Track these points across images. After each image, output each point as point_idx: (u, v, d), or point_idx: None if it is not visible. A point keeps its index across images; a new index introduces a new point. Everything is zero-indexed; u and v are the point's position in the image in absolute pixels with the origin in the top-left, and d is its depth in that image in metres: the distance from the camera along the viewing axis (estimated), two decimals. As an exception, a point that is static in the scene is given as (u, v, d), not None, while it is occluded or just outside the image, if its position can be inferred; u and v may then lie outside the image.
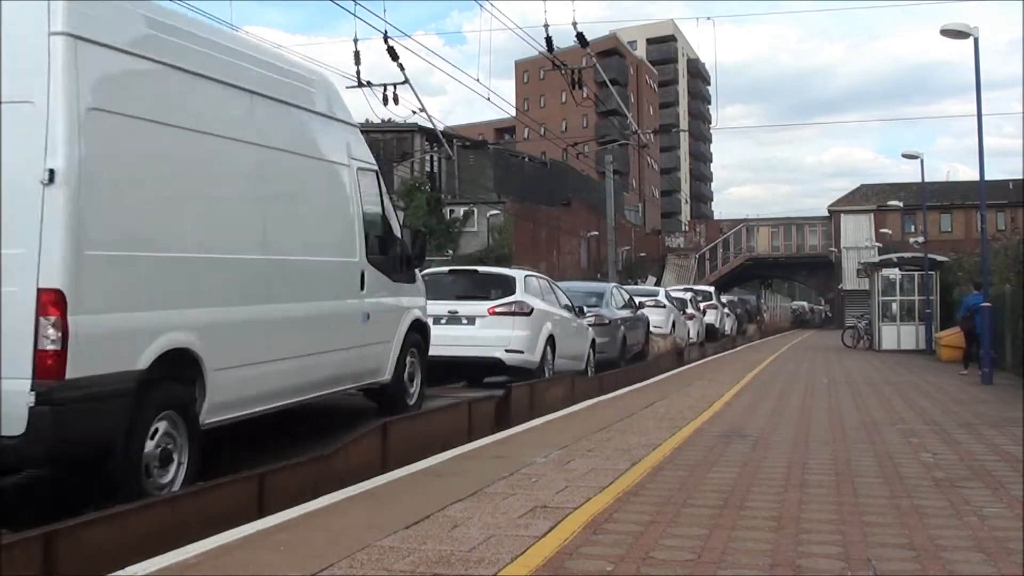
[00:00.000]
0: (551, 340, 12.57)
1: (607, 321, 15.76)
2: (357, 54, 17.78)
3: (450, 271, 13.81)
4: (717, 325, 30.35)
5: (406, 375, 8.63)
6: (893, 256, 29.94)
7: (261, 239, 6.42)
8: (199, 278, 5.75)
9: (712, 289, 33.56)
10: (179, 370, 5.50)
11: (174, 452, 5.43)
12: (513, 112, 48.23)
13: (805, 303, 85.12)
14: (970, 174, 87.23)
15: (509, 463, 6.33)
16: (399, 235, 8.52)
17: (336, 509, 4.94)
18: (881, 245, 49.16)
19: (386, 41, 16.64)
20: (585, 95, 24.40)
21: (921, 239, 31.36)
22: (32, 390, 4.62)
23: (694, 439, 7.76)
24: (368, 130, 53.13)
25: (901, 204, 45.30)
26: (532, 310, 12.07)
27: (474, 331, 11.70)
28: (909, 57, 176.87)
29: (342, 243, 7.60)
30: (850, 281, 55.25)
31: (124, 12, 5.36)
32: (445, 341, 10.58)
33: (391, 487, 5.58)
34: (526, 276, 13.03)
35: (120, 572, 3.68)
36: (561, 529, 4.44)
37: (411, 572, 3.72)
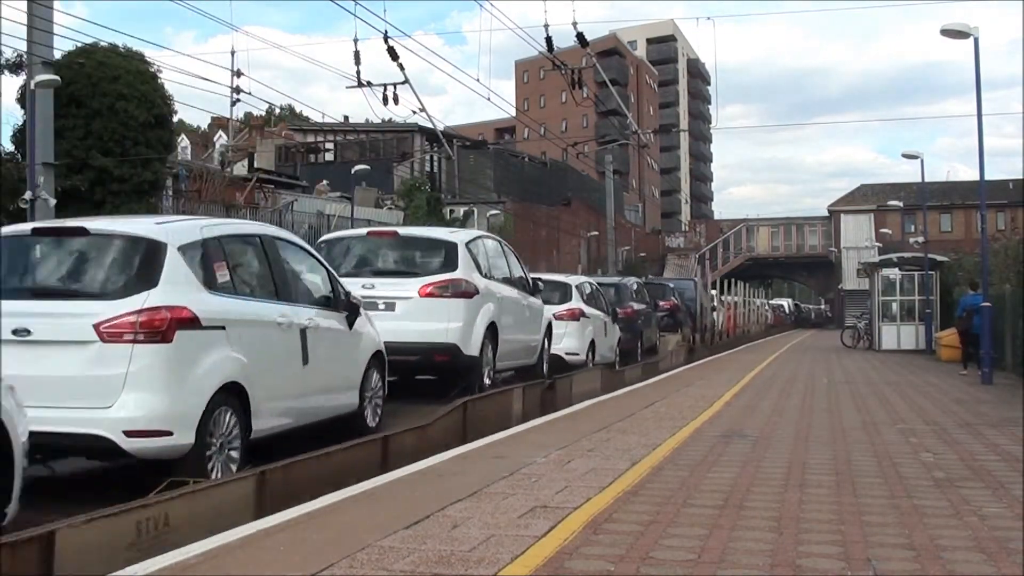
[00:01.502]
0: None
1: None
2: (357, 54, 17.82)
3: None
4: (469, 350, 9.65)
5: None
6: (893, 256, 29.96)
7: None
8: None
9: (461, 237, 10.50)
10: None
11: None
12: (513, 112, 48.32)
13: (788, 300, 69.38)
14: (970, 174, 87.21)
15: (509, 463, 6.33)
16: None
17: (336, 509, 4.94)
18: (881, 245, 49.18)
19: (386, 41, 16.67)
20: (585, 95, 24.45)
21: (921, 239, 31.34)
22: None
23: (694, 439, 7.76)
24: (368, 130, 53.02)
25: (901, 204, 45.34)
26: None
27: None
28: (909, 57, 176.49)
29: None
30: (850, 281, 55.37)
31: None
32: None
33: (391, 487, 5.58)
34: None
35: (120, 572, 3.68)
36: (561, 529, 4.44)
37: (411, 572, 3.71)
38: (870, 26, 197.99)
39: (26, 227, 6.68)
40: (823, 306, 73.79)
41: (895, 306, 27.57)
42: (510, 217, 45.11)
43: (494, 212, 43.54)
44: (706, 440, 7.70)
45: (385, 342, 8.52)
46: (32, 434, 4.63)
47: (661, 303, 24.88)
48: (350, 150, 49.16)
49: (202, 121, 68.74)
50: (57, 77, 16.67)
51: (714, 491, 5.48)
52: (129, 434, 5.48)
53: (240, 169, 36.74)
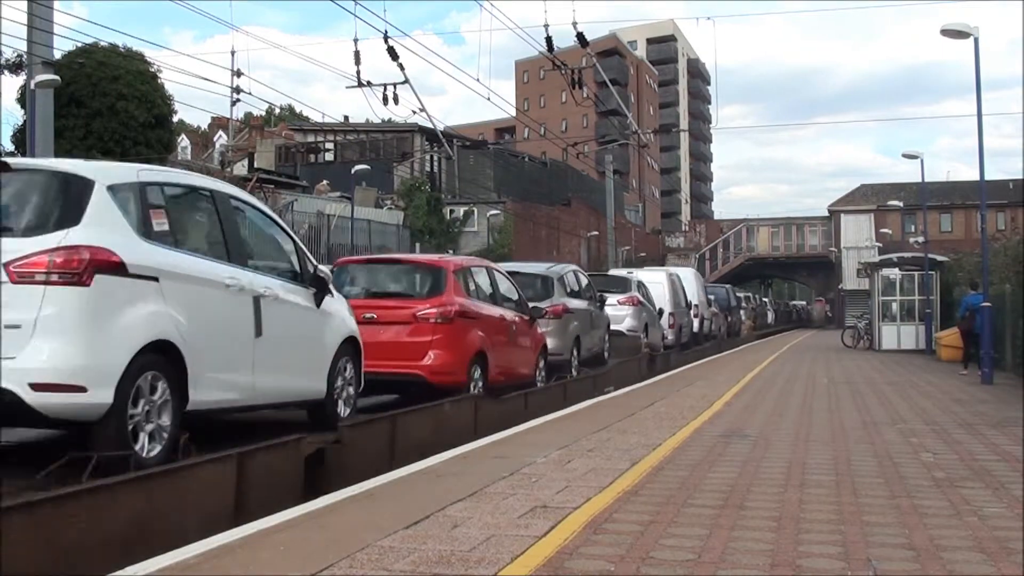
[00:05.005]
0: None
1: None
2: (357, 54, 17.84)
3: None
4: None
5: None
6: (893, 256, 29.95)
7: None
8: None
9: None
10: None
11: None
12: (513, 112, 48.27)
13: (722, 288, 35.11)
14: (970, 174, 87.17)
15: (509, 463, 6.33)
16: None
17: (336, 509, 4.95)
18: (881, 245, 49.14)
19: (386, 41, 16.68)
20: (585, 95, 24.41)
21: (921, 239, 31.34)
22: None
23: (694, 439, 7.76)
24: (368, 130, 52.99)
25: (901, 204, 45.29)
26: None
27: None
28: (909, 57, 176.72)
29: None
30: (850, 281, 55.25)
31: None
32: None
33: (391, 487, 5.59)
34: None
35: (120, 572, 3.68)
36: (561, 529, 4.44)
37: (411, 572, 3.71)
38: (870, 26, 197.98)
39: None
40: (823, 305, 73.39)
41: (895, 306, 27.56)
42: (510, 217, 45.12)
43: (494, 212, 43.56)
44: (706, 440, 7.70)
45: None
46: None
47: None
48: (350, 150, 49.17)
49: (202, 121, 68.71)
50: (57, 77, 16.67)
51: (714, 491, 5.48)
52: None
53: (240, 169, 36.79)
